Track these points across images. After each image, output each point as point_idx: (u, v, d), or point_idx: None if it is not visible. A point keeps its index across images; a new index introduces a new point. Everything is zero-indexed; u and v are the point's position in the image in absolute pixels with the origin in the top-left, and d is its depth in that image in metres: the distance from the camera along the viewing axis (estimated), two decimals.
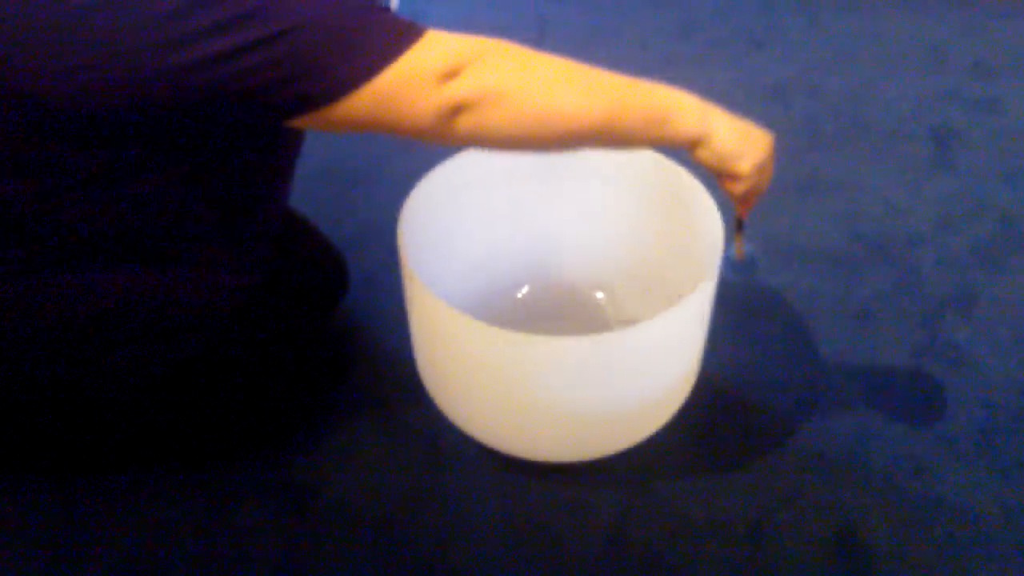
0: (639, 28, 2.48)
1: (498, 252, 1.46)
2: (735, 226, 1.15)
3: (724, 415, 1.38)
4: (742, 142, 0.97)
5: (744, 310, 1.55)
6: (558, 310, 1.49)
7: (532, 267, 1.50)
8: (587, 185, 1.39)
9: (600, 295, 1.50)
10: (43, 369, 1.06)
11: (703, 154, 0.96)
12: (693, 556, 1.19)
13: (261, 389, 1.22)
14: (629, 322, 1.08)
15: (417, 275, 1.09)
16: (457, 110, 0.85)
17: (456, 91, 0.84)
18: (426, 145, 0.92)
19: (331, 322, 1.51)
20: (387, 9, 0.88)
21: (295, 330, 1.26)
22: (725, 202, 1.21)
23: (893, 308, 1.56)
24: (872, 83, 2.21)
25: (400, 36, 0.84)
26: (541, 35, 2.44)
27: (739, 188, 1.00)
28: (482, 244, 1.43)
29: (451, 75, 0.84)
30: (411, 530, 1.23)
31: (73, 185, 0.90)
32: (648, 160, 1.29)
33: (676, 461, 1.31)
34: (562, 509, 1.25)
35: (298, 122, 0.88)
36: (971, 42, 2.39)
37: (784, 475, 1.29)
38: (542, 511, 1.25)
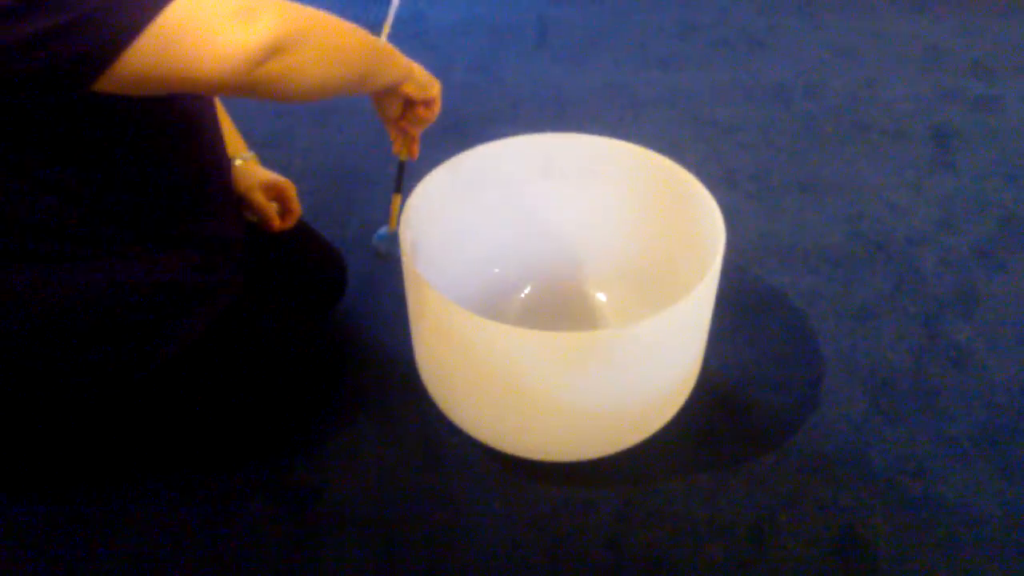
0: (639, 28, 2.49)
1: (500, 253, 1.46)
2: (398, 185, 1.21)
3: (725, 415, 1.38)
4: (428, 73, 1.10)
5: (745, 310, 1.55)
6: (560, 310, 1.49)
7: (534, 268, 1.50)
8: (589, 186, 1.39)
9: (602, 295, 1.50)
10: (30, 365, 1.06)
11: (410, 87, 1.07)
12: (694, 557, 1.19)
13: (260, 389, 1.22)
14: (630, 322, 1.08)
15: (419, 272, 1.09)
16: (271, 51, 0.80)
17: (266, 32, 0.79)
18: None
19: (331, 323, 1.51)
20: None
21: (294, 330, 1.27)
22: (725, 203, 1.21)
23: (894, 308, 1.56)
24: (872, 83, 2.22)
25: None
26: (542, 35, 2.44)
27: (433, 111, 1.14)
28: (484, 245, 1.43)
29: (247, 15, 0.78)
30: (412, 530, 1.23)
31: None
32: (649, 161, 1.29)
33: (677, 461, 1.31)
34: (563, 509, 1.25)
35: (102, 85, 0.80)
36: (970, 41, 2.40)
37: (785, 475, 1.29)
38: (543, 511, 1.25)
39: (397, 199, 1.20)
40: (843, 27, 2.48)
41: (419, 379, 1.31)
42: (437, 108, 1.15)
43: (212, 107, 1.13)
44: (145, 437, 1.23)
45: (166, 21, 0.76)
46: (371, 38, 0.96)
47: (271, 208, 1.32)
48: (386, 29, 1.25)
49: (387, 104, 1.11)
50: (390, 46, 1.02)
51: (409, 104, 1.13)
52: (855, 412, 1.38)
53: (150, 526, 1.23)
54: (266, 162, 1.37)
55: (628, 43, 2.42)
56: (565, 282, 1.51)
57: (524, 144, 1.34)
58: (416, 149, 1.22)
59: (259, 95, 0.84)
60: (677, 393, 1.23)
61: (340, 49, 0.89)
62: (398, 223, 1.18)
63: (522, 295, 1.50)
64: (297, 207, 1.36)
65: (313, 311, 1.43)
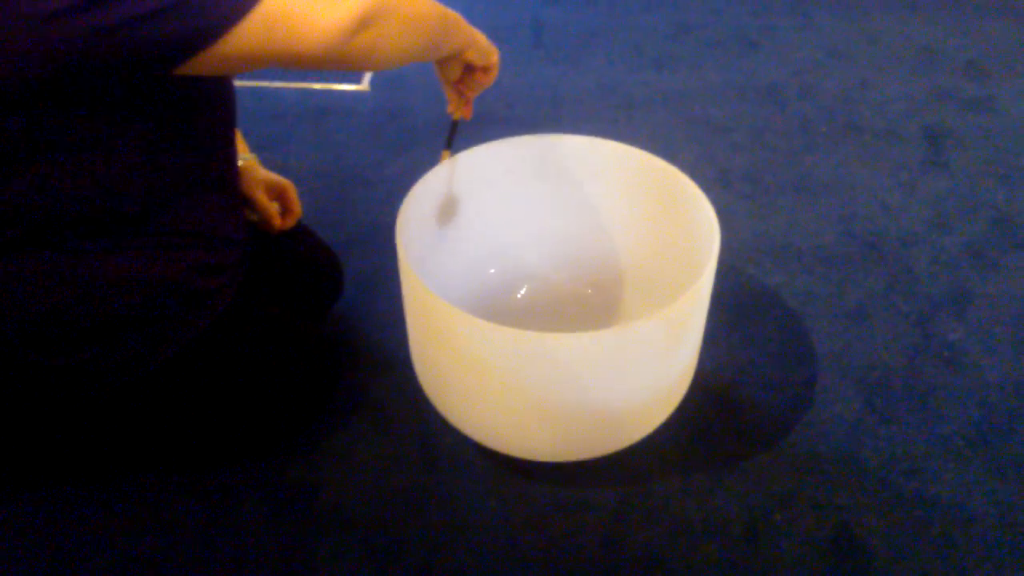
0: (633, 29, 2.49)
1: (496, 253, 1.47)
2: (448, 142, 1.29)
3: (720, 415, 1.38)
4: (489, 41, 1.16)
5: (739, 310, 1.56)
6: (556, 310, 1.49)
7: (530, 268, 1.50)
8: (584, 186, 1.40)
9: (597, 296, 1.50)
10: (23, 362, 1.06)
11: (471, 53, 1.13)
12: (689, 556, 1.19)
13: (257, 390, 1.22)
14: (627, 322, 1.08)
15: (416, 274, 1.09)
16: (362, 25, 0.88)
17: (356, 7, 0.87)
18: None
19: (328, 323, 1.51)
20: None
21: (291, 331, 1.27)
22: (719, 203, 1.22)
23: (887, 308, 1.57)
24: (866, 83, 2.22)
25: None
26: (537, 36, 2.44)
27: (490, 77, 1.20)
28: (480, 245, 1.44)
29: None
30: (408, 530, 1.23)
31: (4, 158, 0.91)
32: (645, 162, 1.30)
33: (672, 461, 1.31)
34: (558, 509, 1.25)
35: (191, 65, 0.88)
36: (964, 42, 2.41)
37: (780, 475, 1.29)
38: (538, 511, 1.25)
39: (446, 154, 1.29)
40: (836, 28, 2.49)
41: (415, 379, 1.31)
42: (494, 74, 1.21)
43: (234, 101, 1.14)
44: (141, 436, 1.23)
45: (268, 5, 0.85)
46: (442, 7, 1.02)
47: (273, 207, 1.34)
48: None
49: (449, 68, 1.17)
50: (456, 14, 1.06)
51: (469, 69, 1.18)
52: (849, 411, 1.38)
53: (145, 525, 1.23)
54: (263, 163, 1.37)
55: (622, 44, 2.43)
56: (561, 282, 1.51)
57: (519, 145, 1.34)
58: (470, 111, 1.28)
59: (347, 66, 0.92)
60: (672, 393, 1.24)
61: (418, 18, 0.96)
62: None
63: (518, 295, 1.50)
64: (298, 207, 1.38)
65: (310, 312, 1.44)
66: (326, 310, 1.51)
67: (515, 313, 1.47)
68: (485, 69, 1.19)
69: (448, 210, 1.34)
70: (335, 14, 0.86)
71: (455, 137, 1.29)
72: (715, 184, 1.87)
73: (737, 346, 1.49)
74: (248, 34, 0.86)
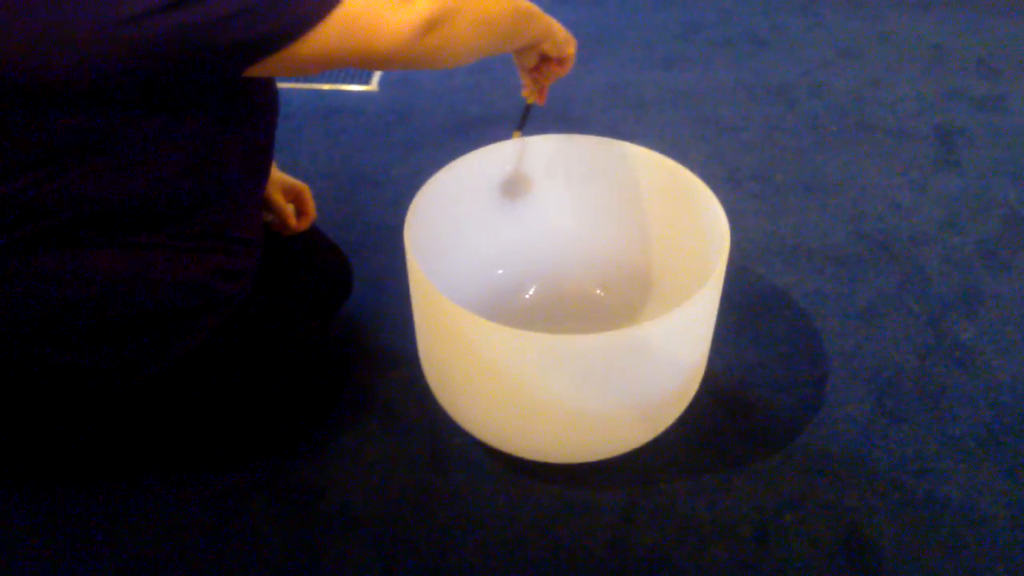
0: (643, 28, 2.49)
1: (504, 254, 1.47)
2: (521, 123, 1.32)
3: (729, 416, 1.38)
4: (566, 32, 1.17)
5: (749, 310, 1.55)
6: (565, 311, 1.49)
7: (539, 269, 1.50)
8: (592, 186, 1.39)
9: (607, 296, 1.50)
10: (38, 359, 1.07)
11: (547, 45, 1.14)
12: (698, 557, 1.19)
13: (266, 390, 1.22)
14: (637, 322, 1.08)
15: (424, 274, 1.09)
16: (431, 25, 0.90)
17: (424, 10, 0.89)
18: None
19: (336, 324, 1.51)
20: None
21: (300, 331, 1.27)
22: (729, 203, 1.21)
23: (898, 308, 1.56)
24: (876, 82, 2.22)
25: None
26: None
27: (565, 68, 1.22)
28: (488, 246, 1.44)
29: None
30: (416, 530, 1.23)
31: (47, 159, 0.92)
32: (654, 161, 1.29)
33: (681, 462, 1.31)
34: (566, 510, 1.25)
35: (264, 66, 0.90)
36: (975, 41, 2.40)
37: (790, 476, 1.29)
38: (546, 512, 1.25)
39: (517, 135, 1.32)
40: (847, 27, 2.48)
41: (423, 380, 1.31)
42: (570, 65, 1.22)
43: (279, 103, 1.15)
44: (149, 436, 1.23)
45: (346, 8, 0.87)
46: (516, 1, 1.03)
47: (289, 209, 1.35)
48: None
49: (525, 56, 1.18)
50: (532, 5, 1.07)
51: (544, 58, 1.19)
52: (860, 412, 1.38)
53: (153, 525, 1.23)
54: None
55: (631, 43, 2.42)
56: (570, 283, 1.51)
57: (528, 145, 1.34)
58: (544, 97, 1.29)
59: (420, 65, 0.95)
60: (682, 394, 1.23)
61: (489, 15, 0.97)
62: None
63: (527, 296, 1.50)
64: (313, 210, 1.40)
65: (319, 312, 1.44)
66: (335, 310, 1.51)
67: (523, 314, 1.47)
68: (560, 60, 1.20)
69: (457, 210, 1.34)
70: (405, 15, 0.88)
71: (527, 119, 1.31)
72: (725, 184, 1.87)
73: (747, 346, 1.49)
74: (326, 36, 0.88)
